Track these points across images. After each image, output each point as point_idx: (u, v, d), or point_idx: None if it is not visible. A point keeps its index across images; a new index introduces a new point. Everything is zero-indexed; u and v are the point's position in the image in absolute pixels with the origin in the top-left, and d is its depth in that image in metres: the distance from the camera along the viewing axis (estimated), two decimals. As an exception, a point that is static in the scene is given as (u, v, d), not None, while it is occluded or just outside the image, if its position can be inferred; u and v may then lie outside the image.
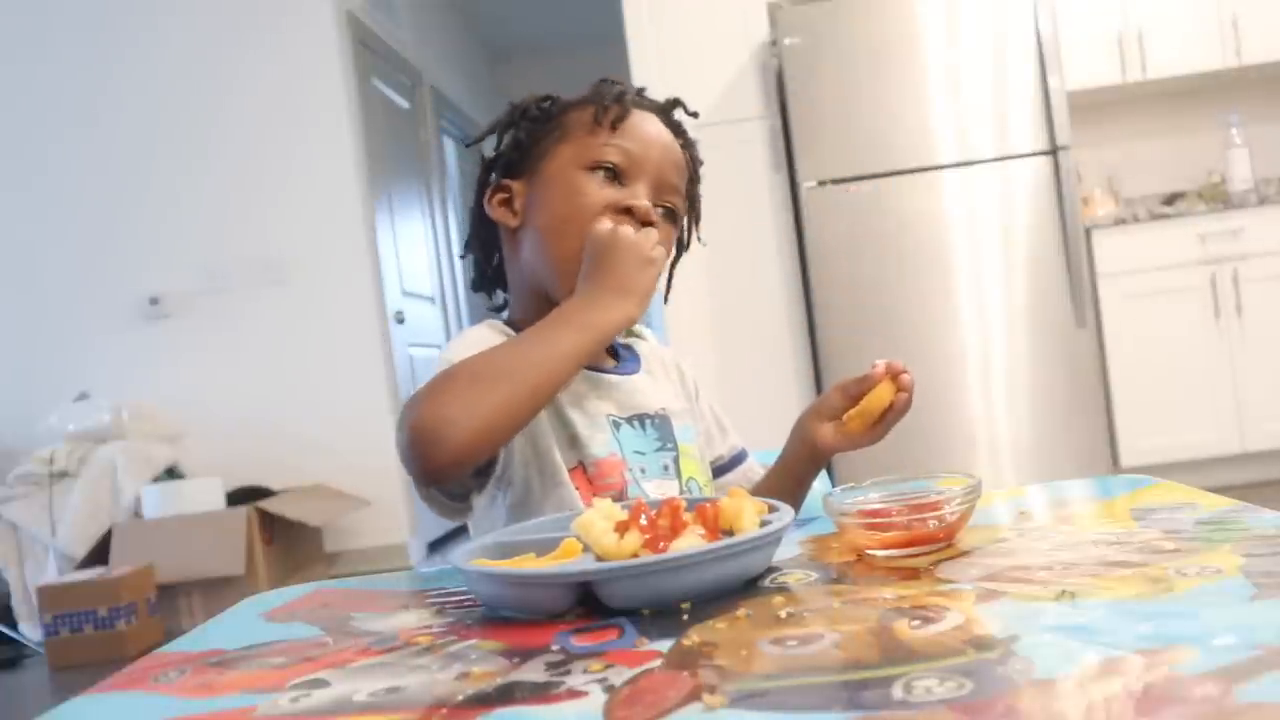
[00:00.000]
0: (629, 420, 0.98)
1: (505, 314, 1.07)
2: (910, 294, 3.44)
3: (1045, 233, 3.40)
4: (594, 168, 0.96)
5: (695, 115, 1.06)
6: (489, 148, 1.07)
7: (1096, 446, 3.42)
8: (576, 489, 0.92)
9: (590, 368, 0.97)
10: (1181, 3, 3.70)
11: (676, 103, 1.05)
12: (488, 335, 0.94)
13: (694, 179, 1.06)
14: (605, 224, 0.90)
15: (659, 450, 0.98)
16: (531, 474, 0.92)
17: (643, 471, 0.95)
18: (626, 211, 0.94)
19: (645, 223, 0.94)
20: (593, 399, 0.97)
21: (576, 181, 0.96)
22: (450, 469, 0.80)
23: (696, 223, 1.08)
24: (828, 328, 3.46)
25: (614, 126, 0.97)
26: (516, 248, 1.02)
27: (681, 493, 0.95)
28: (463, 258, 1.12)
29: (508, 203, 1.02)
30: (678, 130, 1.04)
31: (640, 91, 1.04)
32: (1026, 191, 3.41)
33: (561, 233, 0.96)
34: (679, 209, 1.02)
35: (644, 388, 1.02)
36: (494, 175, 1.05)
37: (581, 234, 0.93)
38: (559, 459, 0.92)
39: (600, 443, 0.94)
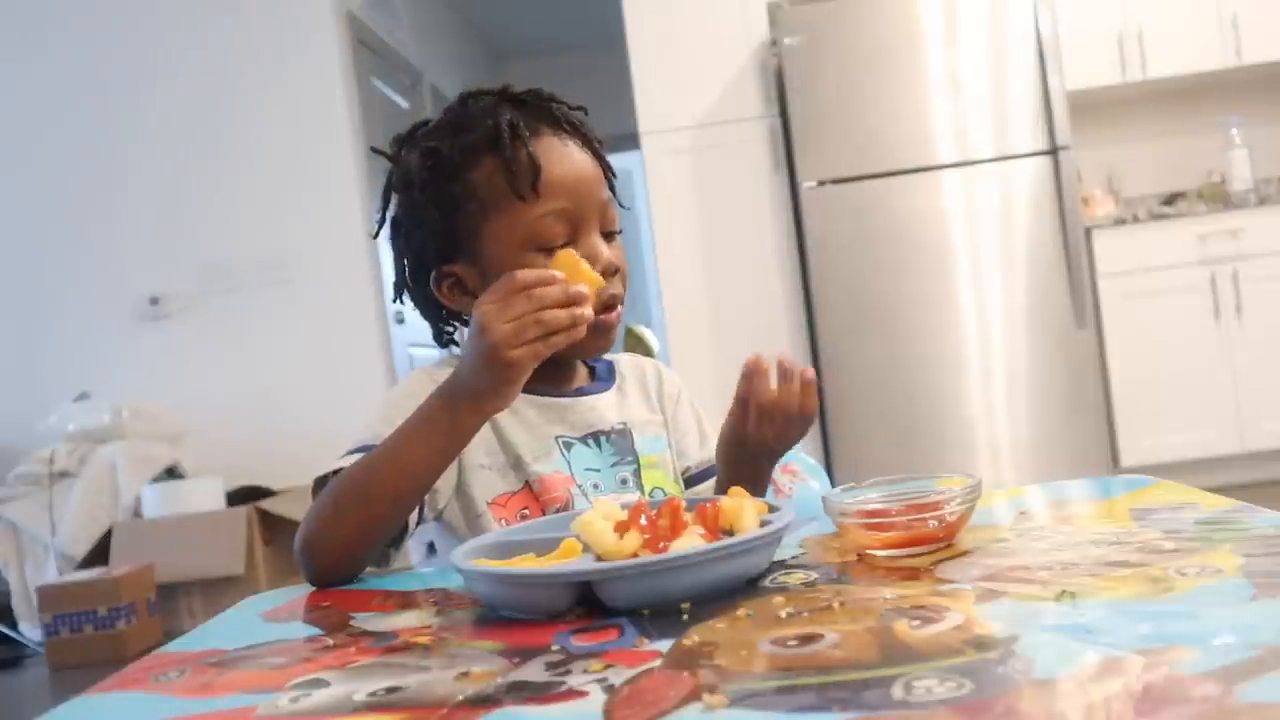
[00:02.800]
0: (582, 439, 0.99)
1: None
2: (910, 294, 3.43)
3: (1045, 233, 3.40)
4: (542, 247, 0.93)
5: (584, 110, 1.01)
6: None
7: (1096, 446, 3.42)
8: (525, 509, 0.94)
9: (541, 392, 0.97)
10: (1181, 3, 3.69)
11: (551, 98, 0.99)
12: (423, 388, 0.90)
13: (605, 164, 1.01)
14: (485, 300, 0.80)
15: (615, 465, 0.99)
16: (454, 508, 0.96)
17: (595, 487, 0.97)
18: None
19: (614, 272, 0.95)
20: (541, 423, 0.98)
21: (534, 265, 0.91)
22: (330, 582, 0.84)
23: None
24: (828, 328, 3.46)
25: (535, 188, 0.93)
26: None
27: None
28: (398, 301, 1.06)
29: (458, 286, 0.99)
30: (570, 126, 0.98)
31: (505, 91, 0.98)
32: (1026, 191, 3.41)
33: None
34: (618, 215, 1.00)
35: (604, 405, 1.02)
36: (416, 249, 1.00)
37: None
38: (476, 494, 0.95)
39: (545, 461, 0.96)
